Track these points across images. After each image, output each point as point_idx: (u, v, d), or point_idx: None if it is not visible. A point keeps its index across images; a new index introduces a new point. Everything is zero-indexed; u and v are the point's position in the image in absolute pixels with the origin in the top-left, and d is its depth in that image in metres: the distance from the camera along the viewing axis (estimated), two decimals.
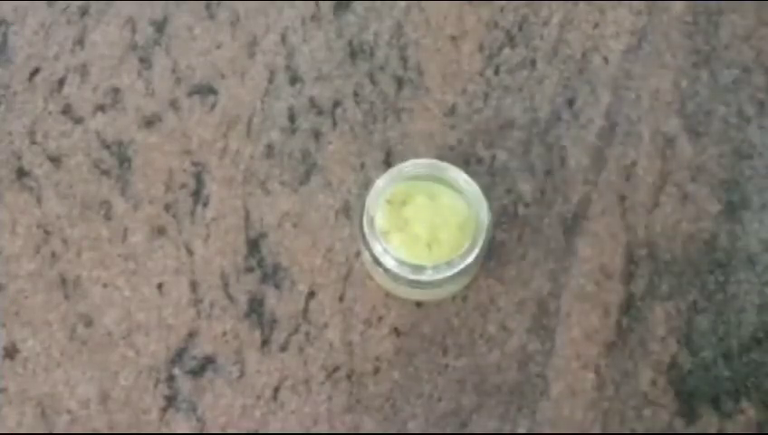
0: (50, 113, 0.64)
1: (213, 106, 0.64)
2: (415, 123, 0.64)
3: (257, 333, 0.60)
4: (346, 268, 0.61)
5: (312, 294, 0.61)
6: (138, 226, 0.62)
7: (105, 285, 0.61)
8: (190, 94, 0.65)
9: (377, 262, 0.55)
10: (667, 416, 0.58)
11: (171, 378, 0.59)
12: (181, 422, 0.59)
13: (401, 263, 0.54)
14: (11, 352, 0.60)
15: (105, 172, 0.63)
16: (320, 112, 0.64)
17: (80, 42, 0.66)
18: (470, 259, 0.54)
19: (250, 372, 0.59)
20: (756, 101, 0.64)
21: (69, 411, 0.59)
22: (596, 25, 0.66)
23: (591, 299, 0.60)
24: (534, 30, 0.66)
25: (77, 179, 0.63)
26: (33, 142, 0.64)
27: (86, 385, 0.59)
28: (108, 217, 0.62)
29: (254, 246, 0.61)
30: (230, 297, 0.61)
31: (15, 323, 0.60)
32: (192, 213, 0.62)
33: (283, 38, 0.66)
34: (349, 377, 0.59)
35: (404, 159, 0.59)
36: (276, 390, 0.59)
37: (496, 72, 0.65)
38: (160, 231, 0.62)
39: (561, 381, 0.59)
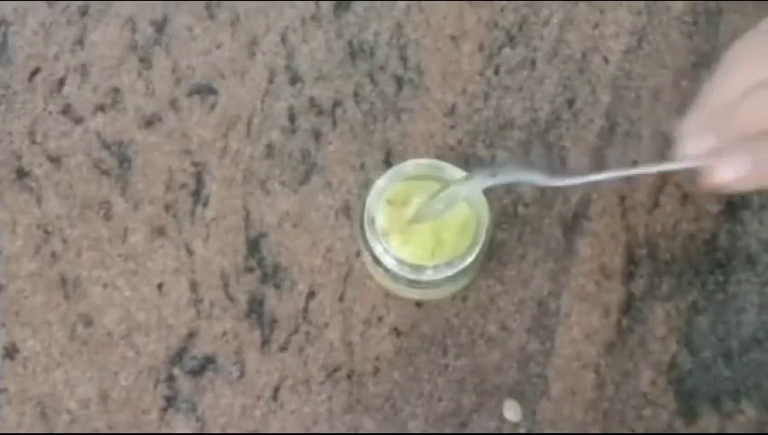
0: (50, 113, 0.64)
1: (213, 106, 0.64)
2: (415, 123, 0.64)
3: (257, 333, 0.60)
4: (346, 268, 0.61)
5: (311, 294, 0.61)
6: (138, 226, 0.62)
7: (105, 285, 0.61)
8: (190, 94, 0.65)
9: (377, 262, 0.55)
10: (666, 416, 0.58)
11: (171, 378, 0.59)
12: (181, 422, 0.59)
13: (401, 263, 0.54)
14: (11, 352, 0.60)
15: (105, 172, 0.63)
16: (320, 112, 0.64)
17: (80, 42, 0.66)
18: (470, 259, 0.54)
19: (250, 372, 0.59)
20: None
21: (69, 411, 0.59)
22: (596, 25, 0.66)
23: (591, 299, 0.60)
24: (534, 30, 0.66)
25: (77, 179, 0.63)
26: (33, 142, 0.64)
27: (86, 385, 0.59)
28: (108, 217, 0.62)
29: (254, 246, 0.61)
30: (230, 297, 0.61)
31: (15, 323, 0.60)
32: (192, 213, 0.62)
33: (283, 38, 0.66)
34: (349, 377, 0.59)
35: (404, 159, 0.59)
36: (276, 390, 0.59)
37: (496, 72, 0.65)
38: (160, 231, 0.62)
39: (561, 381, 0.59)
